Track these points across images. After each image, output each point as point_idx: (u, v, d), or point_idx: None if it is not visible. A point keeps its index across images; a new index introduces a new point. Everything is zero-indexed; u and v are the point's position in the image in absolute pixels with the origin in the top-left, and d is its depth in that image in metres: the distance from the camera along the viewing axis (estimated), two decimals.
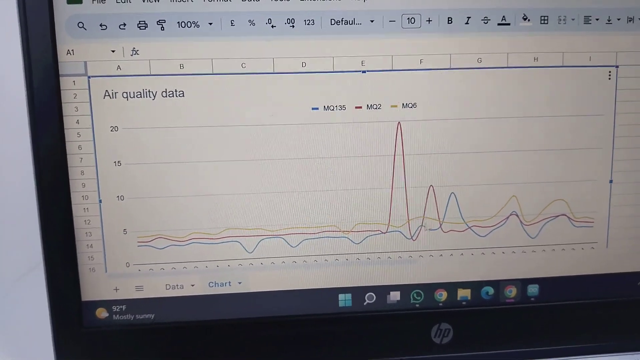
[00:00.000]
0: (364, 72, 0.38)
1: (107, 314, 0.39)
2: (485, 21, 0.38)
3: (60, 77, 0.36)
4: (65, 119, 0.37)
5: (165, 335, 0.39)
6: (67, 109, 0.37)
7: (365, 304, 0.40)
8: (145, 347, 0.39)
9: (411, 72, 0.38)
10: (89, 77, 0.37)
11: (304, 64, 0.37)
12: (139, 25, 0.36)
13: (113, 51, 0.36)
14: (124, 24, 0.36)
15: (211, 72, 0.37)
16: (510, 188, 0.40)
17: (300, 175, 0.39)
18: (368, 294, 0.40)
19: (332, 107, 0.38)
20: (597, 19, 0.39)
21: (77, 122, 0.37)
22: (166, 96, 0.37)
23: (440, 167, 0.39)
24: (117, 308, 0.39)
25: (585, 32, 0.39)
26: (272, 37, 0.37)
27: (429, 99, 0.38)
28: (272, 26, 0.37)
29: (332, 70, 0.37)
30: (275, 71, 0.37)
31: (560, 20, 0.38)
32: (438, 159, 0.39)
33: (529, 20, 0.38)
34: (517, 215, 0.40)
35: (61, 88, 0.36)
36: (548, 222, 0.41)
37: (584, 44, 0.39)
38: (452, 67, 0.38)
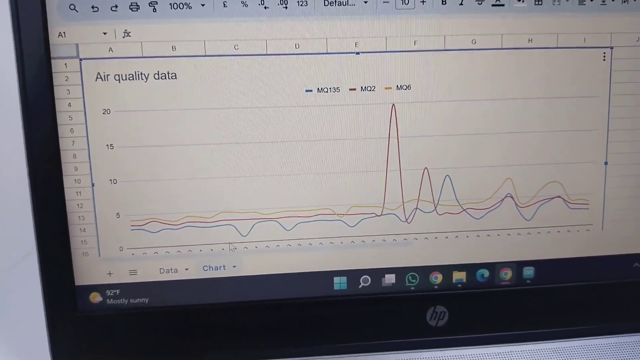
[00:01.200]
0: (357, 53, 0.37)
1: (101, 299, 0.39)
2: (480, 2, 0.38)
3: (52, 60, 0.36)
4: (57, 102, 0.36)
5: (160, 320, 0.39)
6: (59, 92, 0.36)
7: (360, 287, 0.40)
8: (139, 331, 0.39)
9: (405, 53, 0.38)
10: (80, 60, 0.36)
11: (297, 45, 0.37)
12: (131, 6, 0.36)
13: (105, 33, 0.36)
14: (116, 6, 0.36)
15: (204, 54, 0.37)
16: (505, 170, 0.40)
17: (294, 158, 0.38)
18: (363, 277, 0.40)
19: (325, 89, 0.38)
20: (591, 0, 0.39)
21: (69, 105, 0.37)
22: (158, 78, 0.37)
23: (434, 150, 0.39)
24: (111, 292, 0.39)
25: (579, 13, 0.39)
26: (265, 18, 0.37)
27: (424, 80, 0.38)
28: (265, 7, 0.36)
29: (325, 52, 0.37)
30: (268, 53, 0.37)
31: (554, 1, 0.38)
32: (433, 142, 0.39)
33: (523, 1, 0.38)
34: (512, 198, 0.40)
35: (53, 71, 0.36)
36: (543, 204, 0.41)
37: (579, 25, 0.39)
38: (446, 48, 0.38)
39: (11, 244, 0.51)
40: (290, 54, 0.37)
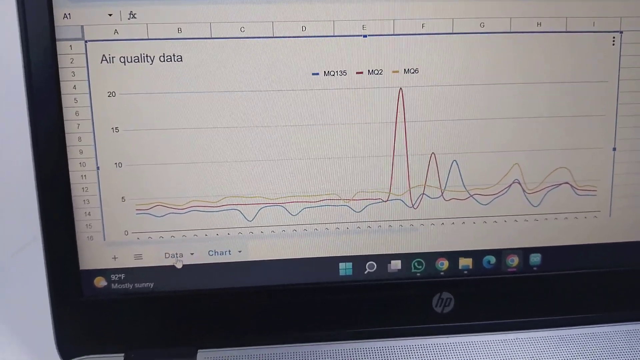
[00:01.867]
0: (365, 36, 0.37)
1: (105, 283, 0.39)
2: None
3: (57, 42, 0.36)
4: (62, 85, 0.36)
5: (165, 304, 0.39)
6: (64, 74, 0.36)
7: (366, 272, 0.40)
8: (144, 316, 0.39)
9: (413, 36, 0.37)
10: (85, 42, 0.36)
11: (304, 27, 0.37)
12: None
13: (110, 15, 0.36)
14: None
15: (210, 37, 0.36)
16: (513, 156, 0.40)
17: (300, 143, 0.38)
18: (369, 263, 0.40)
19: (332, 73, 0.37)
20: None
21: (74, 87, 0.36)
22: (164, 61, 0.36)
23: (442, 135, 0.39)
24: (115, 277, 0.39)
25: None
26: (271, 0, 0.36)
27: (431, 64, 0.38)
28: None
29: (332, 34, 0.37)
30: (274, 35, 0.37)
31: None
32: (440, 126, 0.39)
33: None
34: (519, 184, 0.40)
35: (58, 53, 0.36)
36: (550, 190, 0.40)
37: (588, 9, 0.38)
38: (454, 32, 0.38)
39: (16, 229, 0.51)
40: (296, 37, 0.37)
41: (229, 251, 0.39)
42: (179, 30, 0.36)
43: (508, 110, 0.39)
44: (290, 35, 0.37)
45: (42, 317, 0.39)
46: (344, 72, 0.37)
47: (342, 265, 0.40)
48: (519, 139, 0.39)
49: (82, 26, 0.36)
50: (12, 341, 0.43)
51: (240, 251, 0.39)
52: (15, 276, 0.49)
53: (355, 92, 0.38)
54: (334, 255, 0.40)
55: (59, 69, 0.36)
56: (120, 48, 0.36)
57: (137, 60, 0.36)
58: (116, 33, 0.36)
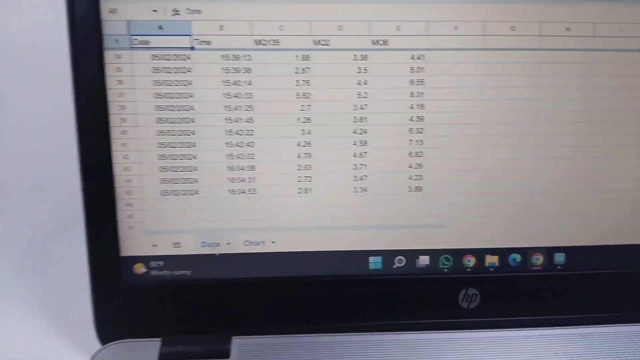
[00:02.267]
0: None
1: (145, 270, 0.40)
2: None
3: (103, 37, 0.37)
4: (107, 79, 0.37)
5: (201, 291, 0.40)
6: (110, 70, 0.37)
7: (394, 267, 0.41)
8: (181, 302, 0.40)
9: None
10: (131, 36, 0.37)
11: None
12: None
13: (155, 10, 0.37)
14: None
15: (250, 34, 0.38)
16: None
17: (334, 139, 0.39)
18: (398, 258, 0.41)
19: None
20: None
21: (120, 82, 0.38)
22: None
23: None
24: (154, 264, 0.40)
25: None
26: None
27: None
28: None
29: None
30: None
31: None
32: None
33: None
34: None
35: (104, 47, 0.37)
36: None
37: None
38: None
39: (57, 214, 0.53)
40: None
41: (264, 242, 0.40)
42: (221, 27, 0.37)
43: (536, 123, 0.40)
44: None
45: (81, 301, 0.41)
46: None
47: (372, 259, 0.41)
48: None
49: (127, 21, 0.37)
50: (51, 325, 0.45)
51: (274, 242, 0.40)
52: (54, 260, 0.50)
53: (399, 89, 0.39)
54: (365, 249, 0.41)
55: (105, 64, 0.37)
56: (164, 44, 0.37)
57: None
58: (160, 29, 0.37)
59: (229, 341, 0.40)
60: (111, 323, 0.41)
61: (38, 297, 0.47)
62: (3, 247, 0.52)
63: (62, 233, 0.52)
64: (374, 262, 0.41)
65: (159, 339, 0.40)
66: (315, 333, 0.41)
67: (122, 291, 0.40)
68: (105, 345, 0.40)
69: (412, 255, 0.41)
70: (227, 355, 0.40)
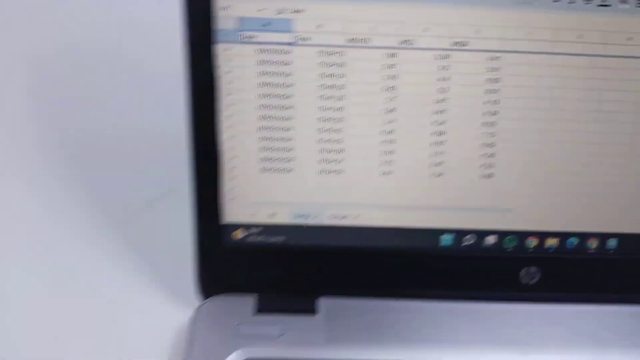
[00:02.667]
0: None
1: (243, 235, 0.46)
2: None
3: (216, 31, 0.42)
4: (218, 69, 0.43)
5: (293, 256, 0.46)
6: (220, 60, 0.43)
7: (463, 244, 0.46)
8: (275, 264, 0.47)
9: None
10: (240, 31, 0.42)
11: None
12: None
13: (262, 9, 0.42)
14: None
15: (343, 32, 0.42)
16: None
17: (415, 129, 0.44)
18: (467, 236, 0.46)
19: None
20: None
21: (229, 72, 0.43)
22: None
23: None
24: (252, 230, 0.46)
25: None
26: None
27: None
28: None
29: None
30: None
31: None
32: None
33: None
34: None
35: (216, 40, 0.42)
36: None
37: None
38: None
39: (159, 179, 0.59)
40: None
41: (347, 216, 0.46)
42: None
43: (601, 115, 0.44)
44: None
45: (183, 264, 0.47)
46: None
47: (444, 236, 0.46)
48: None
49: (238, 18, 0.42)
50: (155, 287, 0.51)
51: (356, 217, 0.46)
52: (154, 223, 0.56)
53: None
54: (437, 227, 0.46)
55: (216, 55, 0.42)
56: (269, 38, 0.43)
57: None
58: (266, 25, 0.42)
59: (315, 300, 0.46)
60: (212, 280, 0.47)
61: (137, 258, 0.53)
62: (101, 213, 0.57)
63: (157, 201, 0.59)
64: (445, 239, 0.46)
65: (255, 294, 0.47)
66: (387, 297, 0.47)
67: (223, 253, 0.46)
68: (207, 299, 0.47)
69: (480, 234, 0.46)
70: (314, 312, 0.46)
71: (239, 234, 0.46)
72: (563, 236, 0.46)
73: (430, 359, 0.44)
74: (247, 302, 0.46)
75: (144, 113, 0.65)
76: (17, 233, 0.55)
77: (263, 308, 0.46)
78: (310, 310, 0.46)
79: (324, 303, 0.46)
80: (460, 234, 0.46)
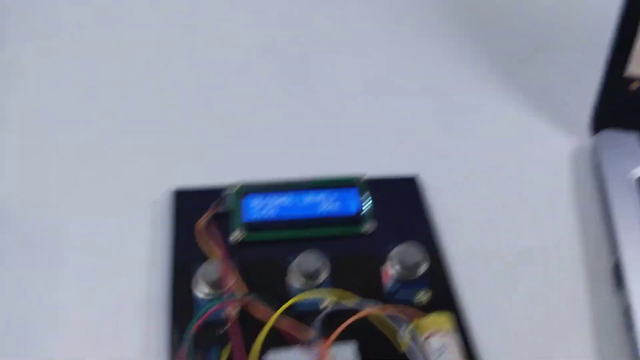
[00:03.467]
0: None
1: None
2: None
3: None
4: None
5: None
6: None
7: None
8: None
9: None
10: None
11: None
12: None
13: None
14: None
15: None
16: None
17: None
18: None
19: None
20: None
21: None
22: None
23: None
24: None
25: None
26: None
27: None
28: None
29: None
30: None
31: None
32: None
33: None
34: None
35: None
36: None
37: None
38: None
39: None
40: None
41: None
42: None
43: None
44: None
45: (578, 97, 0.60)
46: None
47: None
48: None
49: None
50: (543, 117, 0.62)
51: None
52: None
53: None
54: None
55: None
56: None
57: None
58: None
59: None
60: (604, 117, 0.58)
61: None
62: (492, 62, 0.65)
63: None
64: None
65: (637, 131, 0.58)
66: None
67: (621, 97, 0.58)
68: (598, 133, 0.59)
69: None
70: None
71: (635, 85, 0.60)
72: None
73: None
74: (632, 138, 0.56)
75: None
76: None
77: None
78: None
79: None
80: None
